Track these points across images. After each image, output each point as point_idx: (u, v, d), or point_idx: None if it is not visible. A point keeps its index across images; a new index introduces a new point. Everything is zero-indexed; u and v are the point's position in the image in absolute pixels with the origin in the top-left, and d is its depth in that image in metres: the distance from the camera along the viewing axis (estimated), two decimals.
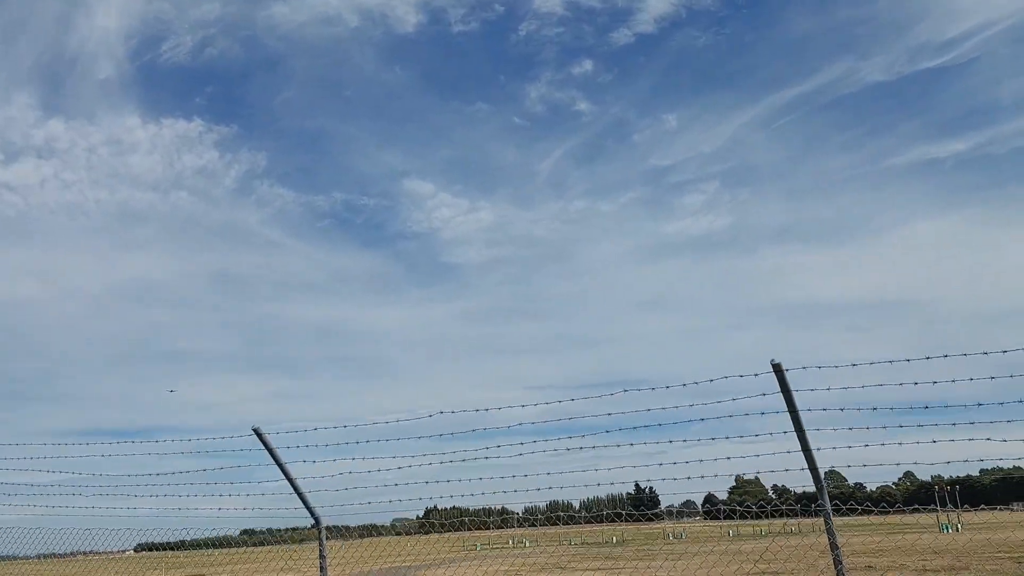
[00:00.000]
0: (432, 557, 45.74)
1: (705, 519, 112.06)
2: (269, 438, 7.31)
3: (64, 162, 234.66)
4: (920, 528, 47.38)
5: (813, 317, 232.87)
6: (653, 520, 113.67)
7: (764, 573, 22.34)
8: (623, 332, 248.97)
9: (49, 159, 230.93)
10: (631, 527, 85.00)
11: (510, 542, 68.22)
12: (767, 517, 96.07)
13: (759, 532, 63.49)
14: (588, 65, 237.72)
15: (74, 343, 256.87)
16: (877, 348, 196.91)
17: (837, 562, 6.06)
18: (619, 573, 23.44)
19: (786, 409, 5.69)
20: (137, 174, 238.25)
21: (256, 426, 7.23)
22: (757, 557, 27.99)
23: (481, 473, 8.16)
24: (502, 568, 31.21)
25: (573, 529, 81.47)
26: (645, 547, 46.88)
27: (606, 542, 59.89)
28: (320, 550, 8.83)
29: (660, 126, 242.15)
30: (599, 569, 26.63)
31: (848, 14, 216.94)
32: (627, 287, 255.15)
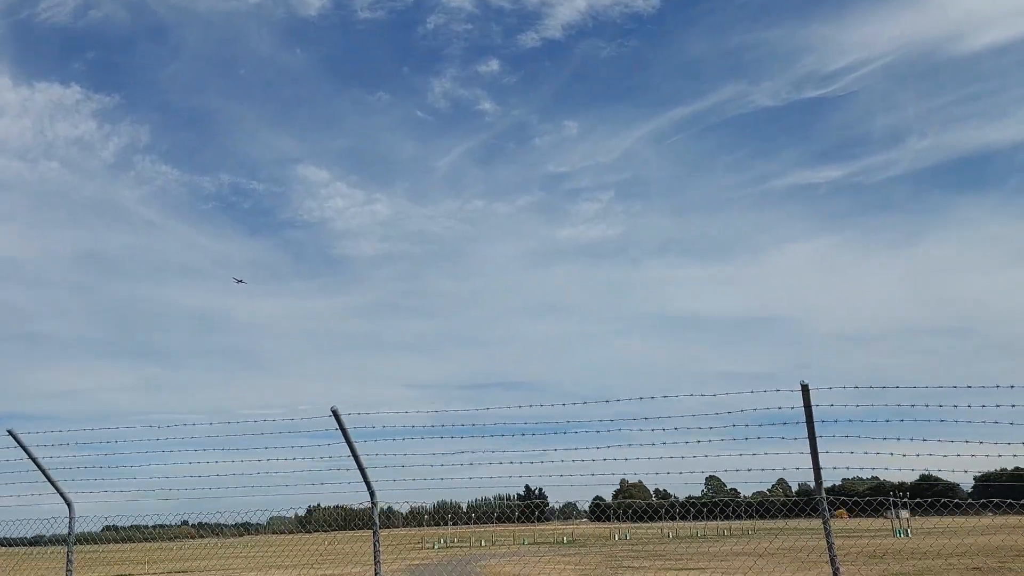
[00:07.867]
0: (394, 556, 41.94)
1: (592, 521, 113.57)
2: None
3: None
4: (871, 533, 47.99)
5: (691, 328, 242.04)
6: (544, 521, 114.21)
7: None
8: (510, 334, 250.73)
9: None
10: (522, 528, 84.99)
11: (454, 540, 65.15)
12: (658, 519, 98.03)
13: (736, 532, 63.50)
14: (494, 65, 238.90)
15: None
16: (747, 361, 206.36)
17: None
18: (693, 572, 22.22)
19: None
20: (3, 139, 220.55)
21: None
22: (794, 555, 26.08)
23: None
24: (553, 567, 28.97)
25: (462, 529, 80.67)
26: (638, 547, 44.88)
27: (557, 542, 57.77)
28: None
29: (560, 132, 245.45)
30: (665, 569, 25.34)
31: (742, 40, 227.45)
32: (517, 290, 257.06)
